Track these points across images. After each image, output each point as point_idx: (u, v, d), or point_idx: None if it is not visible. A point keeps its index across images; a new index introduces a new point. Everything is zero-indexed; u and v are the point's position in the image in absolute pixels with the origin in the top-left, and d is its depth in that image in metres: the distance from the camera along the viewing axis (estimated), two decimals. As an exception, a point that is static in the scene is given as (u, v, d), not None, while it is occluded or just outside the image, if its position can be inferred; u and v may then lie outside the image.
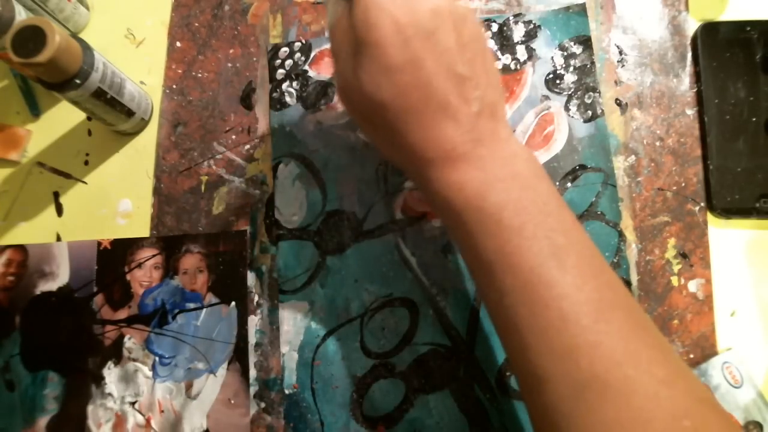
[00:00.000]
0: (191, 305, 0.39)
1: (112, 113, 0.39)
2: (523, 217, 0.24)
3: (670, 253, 0.36)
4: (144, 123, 0.42)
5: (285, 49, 0.42)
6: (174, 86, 0.43)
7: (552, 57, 0.39)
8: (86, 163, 0.42)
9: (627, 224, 0.36)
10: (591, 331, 0.22)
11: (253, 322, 0.38)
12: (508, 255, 0.24)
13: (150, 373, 0.38)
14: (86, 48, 0.35)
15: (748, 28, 0.37)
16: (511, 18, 0.40)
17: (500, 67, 0.39)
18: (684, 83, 0.38)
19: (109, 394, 0.38)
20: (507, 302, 0.24)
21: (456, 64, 0.25)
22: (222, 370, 0.37)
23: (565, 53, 0.39)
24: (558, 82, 0.38)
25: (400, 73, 0.24)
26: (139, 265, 0.40)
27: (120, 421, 0.38)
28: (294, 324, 0.38)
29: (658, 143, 0.37)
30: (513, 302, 0.24)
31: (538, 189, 0.25)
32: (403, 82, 0.24)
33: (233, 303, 0.38)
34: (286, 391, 0.37)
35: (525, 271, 0.24)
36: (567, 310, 0.23)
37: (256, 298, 0.38)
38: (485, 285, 0.26)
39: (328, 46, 0.41)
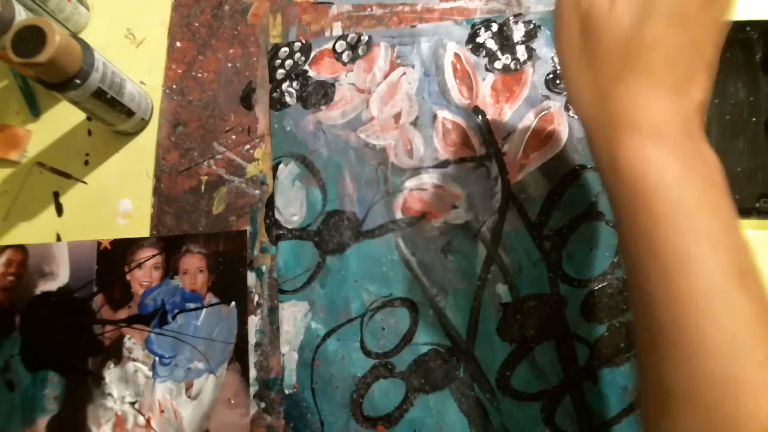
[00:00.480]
0: (191, 305, 0.39)
1: (112, 113, 0.39)
2: (717, 224, 0.22)
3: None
4: (144, 123, 0.42)
5: (285, 49, 0.42)
6: (174, 86, 0.43)
7: (552, 57, 0.39)
8: (86, 163, 0.42)
9: (627, 224, 0.36)
10: (764, 369, 0.20)
11: (253, 322, 0.38)
12: (692, 258, 0.22)
13: (150, 373, 0.38)
14: (86, 48, 0.35)
15: (748, 28, 0.37)
16: (511, 18, 0.40)
17: (500, 67, 0.39)
18: (684, 83, 0.38)
19: (109, 394, 0.38)
20: (668, 308, 0.22)
21: (709, 44, 0.23)
22: (222, 370, 0.37)
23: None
24: (558, 82, 0.38)
25: (665, 23, 0.23)
26: (139, 265, 0.40)
27: (120, 421, 0.38)
28: (294, 324, 0.38)
29: (658, 143, 0.37)
30: (677, 310, 0.22)
31: (730, 204, 0.23)
32: (662, 33, 0.23)
33: (233, 303, 0.38)
34: (286, 391, 0.37)
35: (706, 282, 0.21)
36: (742, 337, 0.21)
37: (256, 298, 0.38)
38: (645, 281, 0.23)
39: (328, 45, 0.41)
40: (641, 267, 0.23)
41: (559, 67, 0.37)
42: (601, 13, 0.24)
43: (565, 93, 0.38)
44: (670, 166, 0.22)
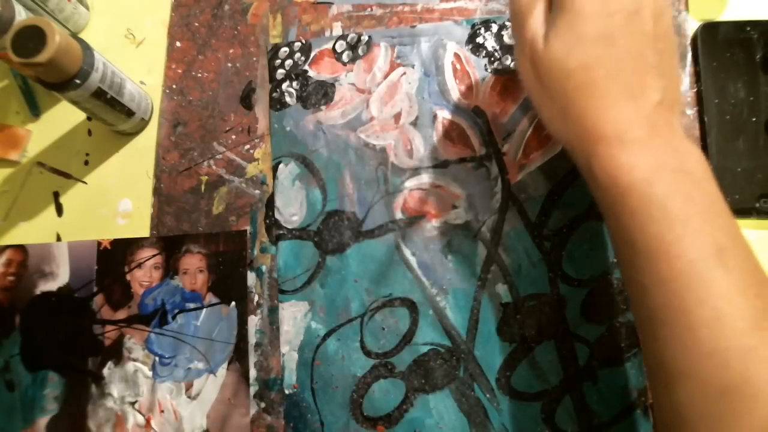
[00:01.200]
0: (191, 305, 0.39)
1: (112, 113, 0.39)
2: (690, 209, 0.24)
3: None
4: (144, 123, 0.42)
5: (285, 49, 0.42)
6: (174, 86, 0.43)
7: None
8: (86, 163, 0.42)
9: (627, 224, 0.36)
10: (747, 336, 0.22)
11: (253, 322, 0.38)
12: (667, 243, 0.23)
13: (150, 373, 0.38)
14: (86, 48, 0.35)
15: (748, 28, 0.37)
16: (511, 18, 0.40)
17: (500, 67, 0.39)
18: (684, 83, 0.38)
19: (109, 394, 0.38)
20: (657, 292, 0.24)
21: (648, 50, 0.25)
22: (222, 370, 0.37)
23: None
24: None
25: (593, 44, 0.25)
26: (139, 265, 0.40)
27: (120, 421, 0.38)
28: (294, 324, 0.38)
29: (658, 143, 0.37)
30: (664, 293, 0.23)
31: (707, 188, 0.25)
32: (594, 54, 0.25)
33: (233, 303, 0.38)
34: (286, 391, 0.37)
35: (684, 263, 0.23)
36: (723, 310, 0.22)
37: (256, 298, 0.38)
38: (635, 272, 0.25)
39: (328, 45, 0.41)
40: (629, 260, 0.25)
41: None
42: (539, 50, 0.27)
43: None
44: (638, 165, 0.24)
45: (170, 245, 0.40)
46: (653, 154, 0.25)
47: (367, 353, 0.36)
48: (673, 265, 0.23)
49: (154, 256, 0.40)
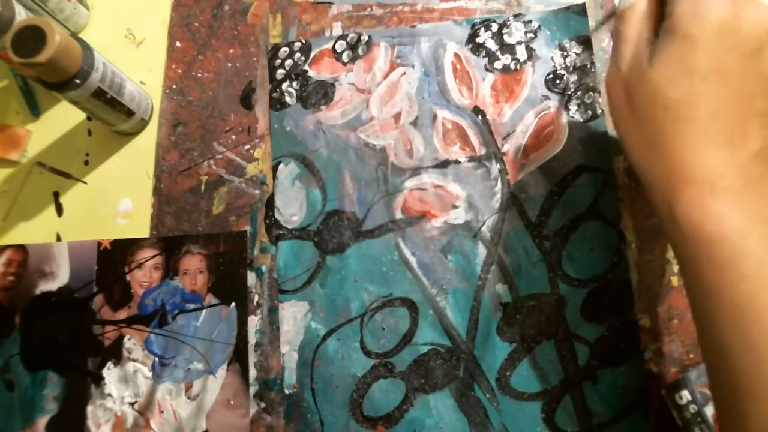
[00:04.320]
0: (191, 306, 0.39)
1: (112, 113, 0.39)
2: None
3: (670, 253, 0.36)
4: (144, 123, 0.42)
5: (285, 49, 0.42)
6: (174, 86, 0.43)
7: (552, 57, 0.39)
8: (86, 163, 0.42)
9: (627, 224, 0.36)
10: None
11: (253, 322, 0.38)
12: (763, 305, 0.21)
13: (150, 374, 0.38)
14: (86, 48, 0.35)
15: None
16: (511, 18, 0.40)
17: (500, 67, 0.39)
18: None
19: (109, 395, 0.38)
20: (744, 358, 0.22)
21: (759, 95, 0.23)
22: (222, 371, 0.37)
23: (565, 53, 0.39)
24: (558, 82, 0.38)
25: (702, 80, 0.23)
26: (139, 266, 0.40)
27: (119, 421, 0.38)
28: (294, 324, 0.37)
29: (658, 143, 0.37)
30: (754, 360, 0.21)
31: None
32: (701, 90, 0.23)
33: (233, 304, 0.38)
34: (286, 391, 0.37)
35: None
36: None
37: (256, 298, 0.38)
38: (716, 330, 0.23)
39: (328, 45, 0.42)
40: (711, 318, 0.23)
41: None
42: (640, 75, 0.24)
43: (563, 93, 0.38)
44: (729, 215, 0.22)
45: (170, 246, 0.40)
46: (746, 206, 0.22)
47: (367, 353, 0.36)
48: (766, 330, 0.21)
49: (154, 256, 0.40)
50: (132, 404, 0.38)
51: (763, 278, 0.22)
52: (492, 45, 0.40)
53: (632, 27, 0.26)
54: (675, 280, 0.35)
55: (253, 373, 0.37)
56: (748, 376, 0.22)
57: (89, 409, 0.38)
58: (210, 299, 0.39)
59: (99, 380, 0.38)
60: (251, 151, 0.41)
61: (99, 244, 0.41)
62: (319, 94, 0.41)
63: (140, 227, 0.41)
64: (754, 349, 0.21)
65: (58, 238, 0.41)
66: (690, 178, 0.23)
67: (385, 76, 0.40)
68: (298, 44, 0.42)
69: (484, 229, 0.37)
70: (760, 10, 0.23)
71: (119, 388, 0.38)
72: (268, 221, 0.39)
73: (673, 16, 0.24)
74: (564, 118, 0.38)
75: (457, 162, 0.38)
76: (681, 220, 0.23)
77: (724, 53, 0.23)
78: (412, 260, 0.37)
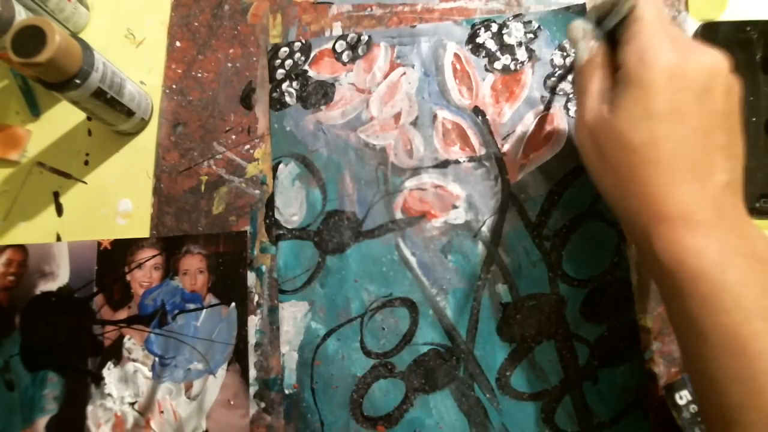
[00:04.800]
0: (191, 306, 0.39)
1: (112, 113, 0.39)
2: (766, 299, 0.22)
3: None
4: (144, 123, 0.42)
5: (285, 49, 0.42)
6: (174, 86, 0.43)
7: (552, 57, 0.39)
8: (86, 163, 0.42)
9: (627, 224, 0.36)
10: None
11: (253, 322, 0.38)
12: (744, 338, 0.22)
13: (150, 374, 0.38)
14: (86, 48, 0.35)
15: (748, 28, 0.37)
16: (511, 18, 0.40)
17: (500, 67, 0.39)
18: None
19: (109, 395, 0.38)
20: (733, 390, 0.22)
21: (717, 130, 0.24)
22: (222, 371, 0.37)
23: (565, 54, 0.39)
24: (558, 82, 0.38)
25: (660, 121, 0.24)
26: (139, 266, 0.40)
27: (119, 421, 0.38)
28: (294, 324, 0.37)
29: (658, 143, 0.37)
30: (743, 392, 0.22)
31: None
32: (662, 131, 0.24)
33: (233, 304, 0.38)
34: (286, 391, 0.37)
35: (762, 359, 0.21)
36: None
37: (256, 298, 0.38)
38: (703, 363, 0.23)
39: (328, 45, 0.41)
40: (697, 351, 0.23)
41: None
42: (604, 123, 0.26)
43: (562, 93, 0.38)
44: (707, 249, 0.23)
45: (170, 246, 0.40)
46: (722, 238, 0.23)
47: (367, 353, 0.36)
48: (753, 362, 0.21)
49: (154, 256, 0.40)
50: (132, 404, 0.38)
51: (744, 310, 0.22)
52: (492, 45, 0.40)
53: (590, 79, 0.27)
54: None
55: (253, 373, 0.37)
56: (737, 409, 0.22)
57: (89, 409, 0.38)
58: (210, 299, 0.39)
59: (99, 380, 0.38)
60: (251, 151, 0.41)
61: (99, 244, 0.41)
62: (319, 94, 0.41)
63: (140, 227, 0.41)
64: (741, 381, 0.22)
65: (58, 238, 0.41)
66: (665, 215, 0.24)
67: (385, 76, 0.40)
68: (298, 44, 0.42)
69: (484, 229, 0.37)
70: (702, 53, 0.24)
71: (119, 388, 0.38)
72: (268, 221, 0.39)
73: (625, 66, 0.25)
74: (564, 118, 0.38)
75: (457, 162, 0.38)
76: (660, 256, 0.24)
77: (677, 94, 0.24)
78: (412, 260, 0.37)
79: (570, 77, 0.38)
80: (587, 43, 0.28)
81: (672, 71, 0.24)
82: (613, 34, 0.28)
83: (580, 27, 0.29)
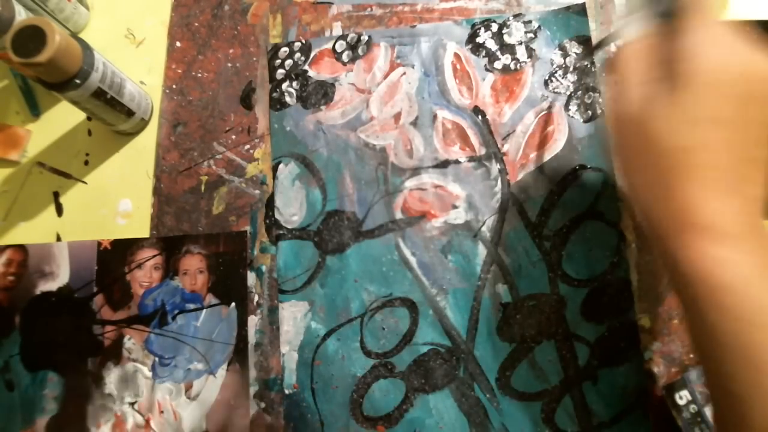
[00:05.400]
0: (191, 306, 0.39)
1: (112, 113, 0.39)
2: None
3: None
4: (144, 123, 0.42)
5: (285, 49, 0.42)
6: (174, 86, 0.43)
7: (552, 57, 0.39)
8: (86, 163, 0.42)
9: (627, 224, 0.36)
10: None
11: (253, 322, 0.38)
12: None
13: (150, 374, 0.38)
14: (86, 48, 0.35)
15: (748, 28, 0.37)
16: (511, 18, 0.40)
17: (500, 67, 0.39)
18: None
19: (109, 395, 0.38)
20: (759, 409, 0.21)
21: (753, 141, 0.23)
22: (222, 371, 0.37)
23: (565, 53, 0.39)
24: (558, 82, 0.38)
25: (701, 128, 0.23)
26: (139, 266, 0.40)
27: (119, 421, 0.38)
28: (294, 324, 0.37)
29: (658, 143, 0.37)
30: (764, 410, 0.21)
31: None
32: (701, 137, 0.23)
33: (233, 304, 0.38)
34: (286, 391, 0.37)
35: None
36: None
37: (256, 298, 0.38)
38: (725, 379, 0.23)
39: (328, 45, 0.41)
40: (717, 364, 0.23)
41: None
42: (638, 117, 0.25)
43: (562, 93, 0.38)
44: (736, 262, 0.22)
45: (170, 246, 0.40)
46: (753, 252, 0.22)
47: (367, 353, 0.36)
48: None
49: (154, 256, 0.40)
50: (132, 404, 0.38)
51: None
52: (492, 45, 0.40)
53: (635, 65, 0.25)
54: (675, 280, 0.35)
55: (253, 373, 0.37)
56: (760, 429, 0.21)
57: (89, 409, 0.38)
58: (210, 299, 0.39)
59: (99, 380, 0.38)
60: (251, 151, 0.41)
61: (99, 244, 0.41)
62: (319, 94, 0.41)
63: (140, 227, 0.41)
64: (765, 399, 0.21)
65: (58, 238, 0.41)
66: (693, 224, 0.23)
67: (385, 76, 0.40)
68: (298, 44, 0.42)
69: (484, 229, 0.37)
70: (751, 59, 0.23)
71: (119, 388, 0.38)
72: (268, 221, 0.39)
73: (672, 62, 0.24)
74: (564, 118, 0.38)
75: (457, 162, 0.38)
76: (685, 265, 0.23)
77: (721, 101, 0.23)
78: (412, 260, 0.37)
79: (569, 76, 0.38)
80: (640, 22, 0.26)
81: (721, 76, 0.23)
82: (669, 17, 0.25)
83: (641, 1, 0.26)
